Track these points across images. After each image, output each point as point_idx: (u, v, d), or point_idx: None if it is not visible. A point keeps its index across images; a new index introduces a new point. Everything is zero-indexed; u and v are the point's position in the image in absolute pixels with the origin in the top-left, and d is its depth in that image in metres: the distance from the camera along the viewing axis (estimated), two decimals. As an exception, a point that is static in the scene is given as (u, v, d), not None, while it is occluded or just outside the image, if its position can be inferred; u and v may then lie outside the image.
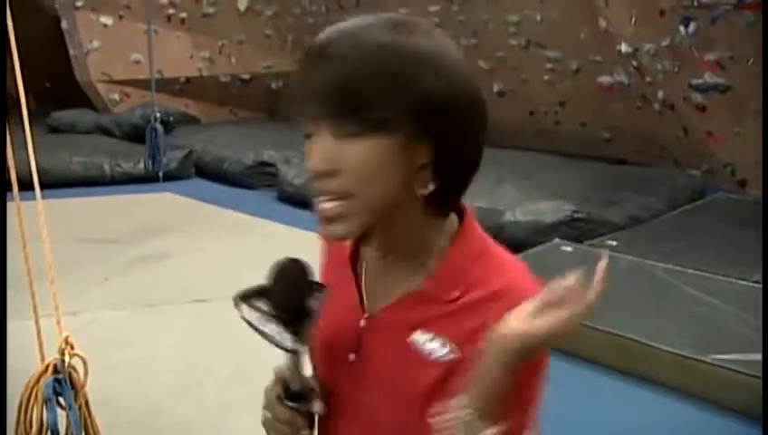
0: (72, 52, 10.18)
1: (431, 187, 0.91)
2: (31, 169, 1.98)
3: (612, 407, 3.30)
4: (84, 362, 1.84)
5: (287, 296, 0.96)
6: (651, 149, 7.62)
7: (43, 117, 10.53)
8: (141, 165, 7.93)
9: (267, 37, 10.67)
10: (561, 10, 7.54)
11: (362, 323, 1.00)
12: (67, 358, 1.80)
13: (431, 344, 0.94)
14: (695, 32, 6.31)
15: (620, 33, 7.07)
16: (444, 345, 0.93)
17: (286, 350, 0.96)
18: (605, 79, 7.75)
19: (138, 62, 9.86)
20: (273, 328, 0.95)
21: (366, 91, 0.88)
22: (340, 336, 1.02)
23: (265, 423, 1.02)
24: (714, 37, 6.32)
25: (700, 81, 6.52)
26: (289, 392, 1.00)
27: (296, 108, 0.93)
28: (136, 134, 9.17)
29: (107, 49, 9.98)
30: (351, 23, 0.93)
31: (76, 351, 1.83)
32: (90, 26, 9.94)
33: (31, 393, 1.76)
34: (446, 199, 0.96)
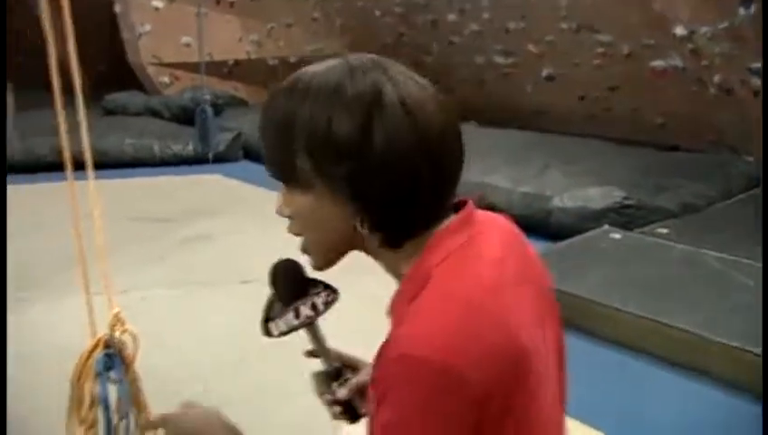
0: (124, 35, 10.36)
1: (365, 230, 0.96)
2: (84, 149, 2.00)
3: (663, 399, 3.23)
4: (134, 338, 1.87)
5: (290, 291, 1.17)
6: (706, 134, 7.41)
7: (99, 100, 10.78)
8: (190, 147, 8.05)
9: (315, 20, 10.67)
10: (614, -7, 7.37)
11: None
12: (117, 334, 1.83)
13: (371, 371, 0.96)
14: (756, 13, 6.09)
15: (676, 15, 6.87)
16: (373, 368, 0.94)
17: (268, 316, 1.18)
18: (658, 63, 7.55)
19: (188, 45, 9.98)
20: (291, 319, 1.16)
21: (278, 154, 1.00)
22: None
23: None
24: (775, 19, 6.10)
25: (759, 64, 6.29)
26: (325, 372, 1.23)
27: None
28: (185, 116, 9.30)
29: (158, 32, 10.12)
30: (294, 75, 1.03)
31: (126, 327, 1.85)
32: (142, 10, 10.09)
33: (83, 368, 1.80)
34: (394, 237, 0.98)
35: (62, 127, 1.91)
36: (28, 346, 3.81)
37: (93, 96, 12.27)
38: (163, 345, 3.54)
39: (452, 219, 0.99)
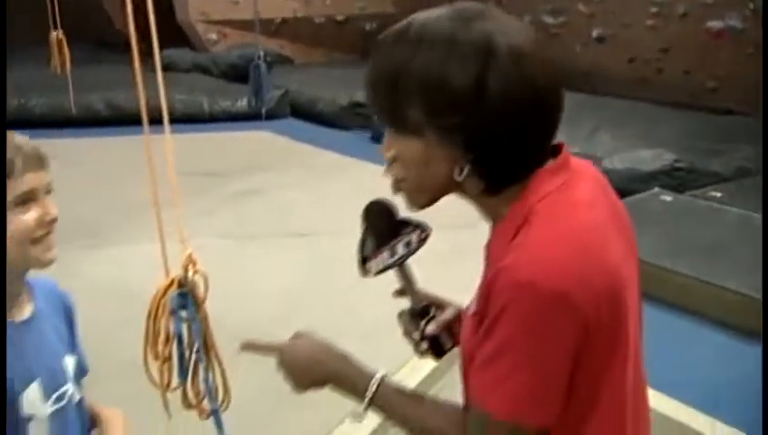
0: (173, -8, 10.42)
1: (464, 176, 1.00)
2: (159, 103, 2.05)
3: (712, 359, 3.25)
4: (205, 279, 1.95)
5: (385, 230, 1.20)
6: (760, 99, 7.23)
7: (148, 56, 10.90)
8: (239, 103, 8.14)
9: (362, -22, 10.61)
10: (672, -51, 7.18)
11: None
12: (190, 274, 1.91)
13: (474, 300, 1.03)
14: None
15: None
16: (477, 300, 1.01)
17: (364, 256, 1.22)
18: (714, 24, 7.37)
19: (236, 2, 10.02)
20: (386, 258, 1.20)
21: (389, 102, 1.01)
22: None
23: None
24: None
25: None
26: (412, 310, 1.25)
27: None
28: (233, 73, 9.39)
29: (206, -11, 10.18)
30: (402, 23, 1.03)
31: (198, 267, 1.93)
32: (191, -33, 10.14)
33: (158, 305, 1.88)
34: (495, 183, 1.01)
35: (140, 82, 1.96)
36: (98, 288, 3.98)
37: (142, 53, 12.46)
38: (217, 293, 3.65)
39: (550, 163, 1.02)
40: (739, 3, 6.94)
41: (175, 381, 1.92)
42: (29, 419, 1.28)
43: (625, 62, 8.34)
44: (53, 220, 1.28)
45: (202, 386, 1.93)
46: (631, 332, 1.01)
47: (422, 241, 1.18)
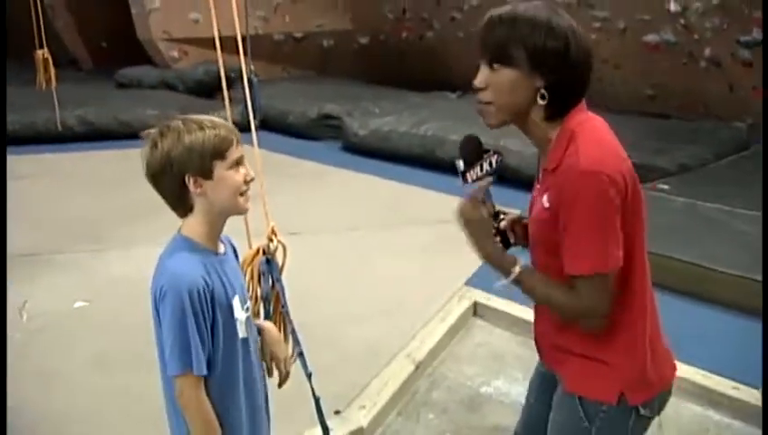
0: (134, 11, 10.63)
1: (543, 102, 1.54)
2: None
3: (673, 319, 3.76)
4: (284, 247, 2.36)
5: (476, 152, 1.66)
6: (695, 105, 7.97)
7: (107, 74, 11.09)
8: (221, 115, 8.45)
9: (320, -4, 11.05)
10: (612, -30, 7.86)
11: (535, 192, 1.68)
12: (274, 243, 2.32)
13: (545, 197, 1.57)
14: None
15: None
16: (547, 199, 1.56)
17: (463, 171, 1.66)
18: (651, 37, 8.08)
19: (196, 21, 10.31)
20: (478, 171, 1.65)
21: (502, 44, 1.53)
22: (531, 199, 1.71)
23: (462, 223, 1.66)
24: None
25: (748, 37, 6.84)
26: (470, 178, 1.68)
27: (476, 48, 1.60)
28: (199, 89, 9.70)
29: (167, 8, 10.44)
30: (506, 7, 1.55)
31: (279, 238, 2.34)
32: (152, -14, 10.39)
33: (246, 269, 2.28)
34: (555, 111, 1.56)
35: (226, 96, 2.36)
36: (109, 285, 4.28)
37: (98, 70, 12.60)
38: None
39: (577, 105, 1.59)
40: (672, 18, 7.66)
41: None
42: (236, 320, 1.74)
43: (570, 73, 8.99)
44: (252, 179, 1.76)
45: (283, 335, 2.33)
46: (644, 221, 1.62)
47: (499, 162, 1.66)
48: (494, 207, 1.73)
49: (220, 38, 3.01)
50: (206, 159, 1.65)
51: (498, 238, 1.72)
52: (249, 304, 1.86)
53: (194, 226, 1.72)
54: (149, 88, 9.99)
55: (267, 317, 2.30)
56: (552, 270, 1.60)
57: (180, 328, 1.61)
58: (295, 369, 2.29)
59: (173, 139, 1.65)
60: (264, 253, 2.31)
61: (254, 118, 7.66)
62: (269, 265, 2.30)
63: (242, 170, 1.72)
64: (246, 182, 1.73)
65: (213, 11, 2.76)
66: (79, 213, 5.72)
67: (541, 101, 1.54)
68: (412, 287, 4.28)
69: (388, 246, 5.04)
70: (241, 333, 1.75)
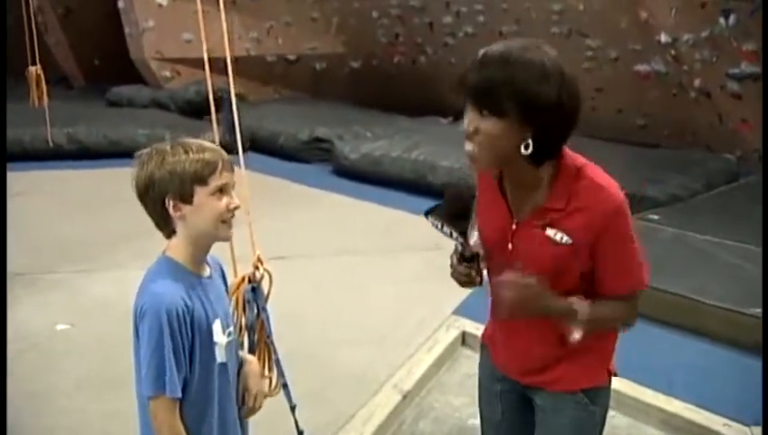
0: (127, 30, 10.63)
1: (529, 151, 1.53)
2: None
3: (658, 352, 3.72)
4: (270, 276, 2.32)
5: (452, 209, 1.66)
6: (684, 135, 8.01)
7: (98, 92, 11.06)
8: (202, 137, 8.42)
9: (313, 20, 11.08)
10: (604, 0, 7.92)
11: (514, 226, 1.68)
12: (260, 270, 2.27)
13: (558, 235, 1.60)
14: (735, 23, 6.68)
15: (661, 23, 7.45)
16: (564, 235, 1.60)
17: (455, 238, 1.67)
18: (642, 67, 8.13)
19: (189, 41, 10.30)
20: (446, 229, 1.66)
21: (494, 93, 1.50)
22: (501, 234, 1.70)
23: (453, 275, 1.74)
24: (752, 29, 6.69)
25: (737, 70, 6.89)
26: (463, 257, 1.71)
27: (463, 92, 1.56)
28: (190, 109, 9.68)
29: (161, 28, 10.44)
30: (498, 47, 1.55)
31: (265, 266, 2.30)
32: (146, 6, 10.39)
33: (230, 297, 2.23)
34: (542, 158, 1.57)
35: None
36: (94, 307, 4.22)
37: (89, 88, 12.56)
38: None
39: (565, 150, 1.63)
40: (662, 49, 7.71)
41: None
42: (216, 344, 1.72)
43: (561, 101, 9.03)
44: (236, 207, 1.73)
45: (266, 367, 2.28)
46: None
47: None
48: (470, 248, 1.72)
49: (210, 59, 2.99)
50: (186, 184, 1.64)
51: (479, 279, 1.73)
52: (232, 328, 1.82)
53: (177, 248, 1.72)
54: (141, 107, 9.97)
55: (251, 346, 2.26)
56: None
57: (157, 349, 1.60)
58: (280, 400, 2.25)
59: (157, 161, 1.66)
60: (249, 281, 2.27)
61: (230, 139, 7.59)
62: (254, 294, 2.26)
63: (225, 199, 1.70)
64: (230, 210, 1.71)
65: (203, 32, 2.74)
66: (66, 232, 5.66)
67: (525, 151, 1.53)
68: (400, 315, 4.24)
69: (378, 273, 5.00)
70: (219, 357, 1.73)
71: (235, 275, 2.35)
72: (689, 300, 3.95)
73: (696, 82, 7.52)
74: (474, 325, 3.96)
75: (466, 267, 1.71)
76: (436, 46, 10.18)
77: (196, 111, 9.72)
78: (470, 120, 1.55)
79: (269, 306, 2.34)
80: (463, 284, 1.75)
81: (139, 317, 1.64)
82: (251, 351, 2.24)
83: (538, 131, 1.52)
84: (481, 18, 9.26)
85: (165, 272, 1.68)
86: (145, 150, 1.70)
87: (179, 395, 1.63)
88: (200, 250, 1.74)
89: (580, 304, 1.63)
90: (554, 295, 1.63)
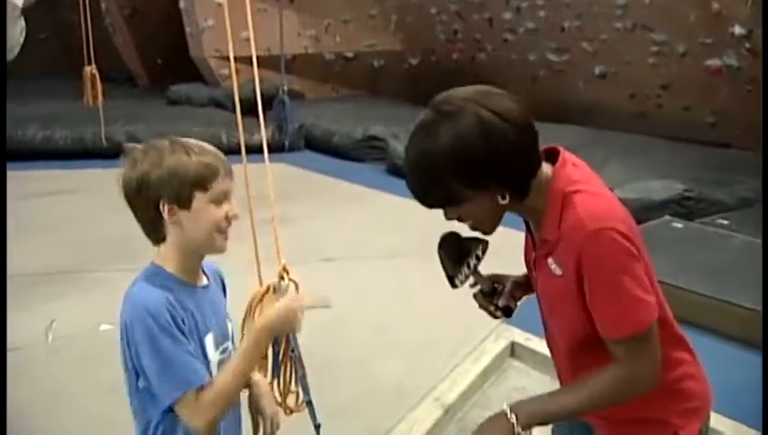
0: (188, 29, 10.76)
1: (507, 201, 1.44)
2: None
3: (729, 368, 3.45)
4: (297, 285, 2.19)
5: (458, 252, 1.65)
6: (758, 133, 7.56)
7: (160, 90, 11.23)
8: (255, 136, 8.42)
9: (371, 17, 10.98)
10: (672, -8, 7.56)
11: (534, 256, 1.58)
12: (285, 281, 2.15)
13: (553, 265, 1.48)
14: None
15: (734, 15, 7.05)
16: (556, 266, 1.47)
17: (449, 275, 1.66)
18: (713, 62, 7.73)
19: (247, 39, 10.33)
20: (466, 271, 1.65)
21: (441, 193, 1.43)
22: (529, 263, 1.64)
23: (478, 305, 1.74)
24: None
25: (818, 64, 6.45)
26: (482, 291, 1.74)
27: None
28: (247, 107, 9.67)
29: (220, 27, 10.50)
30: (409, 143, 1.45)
31: (291, 276, 2.17)
32: (205, 5, 10.46)
33: (254, 308, 2.11)
34: (520, 193, 1.45)
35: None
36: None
37: (152, 87, 12.79)
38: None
39: (556, 166, 1.47)
40: (736, 42, 7.30)
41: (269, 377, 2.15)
42: (208, 361, 1.57)
43: (626, 97, 8.69)
44: (235, 217, 1.59)
45: (292, 382, 2.15)
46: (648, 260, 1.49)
47: (484, 251, 1.65)
48: (488, 281, 1.73)
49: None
50: (186, 187, 1.50)
51: (500, 313, 1.72)
52: (229, 344, 1.68)
53: (167, 256, 1.57)
54: (199, 105, 10.05)
55: (275, 361, 2.14)
56: (579, 337, 1.52)
57: (157, 352, 1.45)
58: (305, 416, 2.12)
59: (154, 159, 1.50)
60: (274, 291, 2.15)
61: (279, 137, 7.55)
62: (280, 306, 2.13)
63: (225, 206, 1.55)
64: (228, 219, 1.57)
65: (227, 30, 2.65)
66: (114, 231, 5.64)
67: (504, 201, 1.45)
68: (447, 323, 4.06)
69: (426, 277, 4.79)
70: (213, 375, 1.57)
71: (260, 283, 2.23)
72: (758, 313, 3.65)
73: (772, 78, 7.07)
74: (524, 335, 3.77)
75: (485, 301, 1.72)
76: (495, 43, 9.94)
77: (251, 109, 9.74)
78: (446, 214, 1.50)
79: (307, 311, 2.21)
80: (485, 311, 1.75)
81: (128, 331, 1.49)
82: (275, 365, 2.13)
83: (499, 182, 1.42)
84: (542, 13, 8.98)
85: (149, 280, 1.54)
86: (137, 146, 1.55)
87: (203, 381, 1.48)
88: (191, 260, 1.60)
89: (517, 406, 1.46)
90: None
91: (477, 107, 1.38)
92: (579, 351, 1.55)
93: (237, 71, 9.59)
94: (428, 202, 1.47)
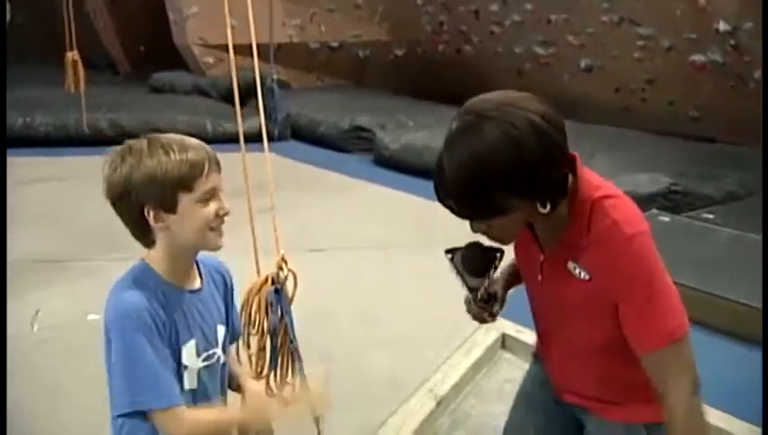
0: (171, 16, 10.61)
1: (548, 209, 1.40)
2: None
3: (720, 363, 3.48)
4: (295, 277, 2.17)
5: (471, 265, 1.61)
6: (741, 128, 7.63)
7: (142, 78, 11.10)
8: (246, 125, 8.37)
9: (357, 7, 10.92)
10: (659, -13, 7.59)
11: (542, 258, 1.57)
12: (284, 272, 2.13)
13: (577, 269, 1.48)
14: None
15: (720, 11, 7.09)
16: (582, 270, 1.47)
17: (471, 287, 1.64)
18: (698, 57, 7.78)
19: (232, 27, 10.24)
20: (459, 279, 1.64)
21: (489, 202, 1.38)
22: (533, 265, 1.61)
23: (467, 310, 1.71)
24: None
25: (804, 60, 6.51)
26: (478, 298, 1.67)
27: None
28: (230, 96, 9.59)
29: (204, 15, 10.38)
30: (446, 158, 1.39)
31: (290, 266, 2.15)
32: (189, -8, 10.36)
33: (252, 298, 2.09)
34: (556, 202, 1.42)
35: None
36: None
37: (134, 74, 12.63)
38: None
39: (578, 173, 1.46)
40: (720, 39, 7.35)
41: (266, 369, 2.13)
42: (185, 367, 1.52)
43: (611, 91, 8.73)
44: (227, 213, 1.52)
45: (289, 374, 2.14)
46: None
47: (501, 259, 1.61)
48: (486, 289, 1.69)
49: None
50: (168, 191, 1.43)
51: (491, 320, 1.71)
52: (217, 351, 1.62)
53: (156, 257, 1.52)
54: (183, 93, 9.94)
55: (273, 352, 2.12)
56: (597, 341, 1.54)
57: (133, 360, 1.42)
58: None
59: (133, 162, 1.43)
60: (272, 282, 2.13)
61: (273, 126, 7.50)
62: (278, 296, 2.12)
63: (213, 204, 1.48)
64: (219, 216, 1.50)
65: (228, 20, 2.61)
66: (103, 219, 5.57)
67: (544, 210, 1.41)
68: (438, 314, 4.05)
69: (416, 268, 4.83)
70: (187, 383, 1.52)
71: (258, 273, 2.21)
72: (746, 307, 3.69)
73: (757, 74, 7.14)
74: (514, 328, 3.77)
75: (481, 308, 1.68)
76: (481, 35, 9.93)
77: (242, 98, 9.66)
78: (476, 227, 1.47)
79: (298, 302, 2.19)
80: (475, 319, 1.73)
81: (108, 330, 1.45)
82: (273, 356, 2.11)
83: (548, 189, 1.39)
84: (528, 6, 8.99)
85: (133, 280, 1.49)
86: (116, 148, 1.47)
87: (178, 400, 1.45)
88: (183, 262, 1.55)
89: None
90: None
91: (523, 111, 1.34)
92: (593, 354, 1.56)
93: (222, 59, 9.51)
94: (468, 213, 1.42)
